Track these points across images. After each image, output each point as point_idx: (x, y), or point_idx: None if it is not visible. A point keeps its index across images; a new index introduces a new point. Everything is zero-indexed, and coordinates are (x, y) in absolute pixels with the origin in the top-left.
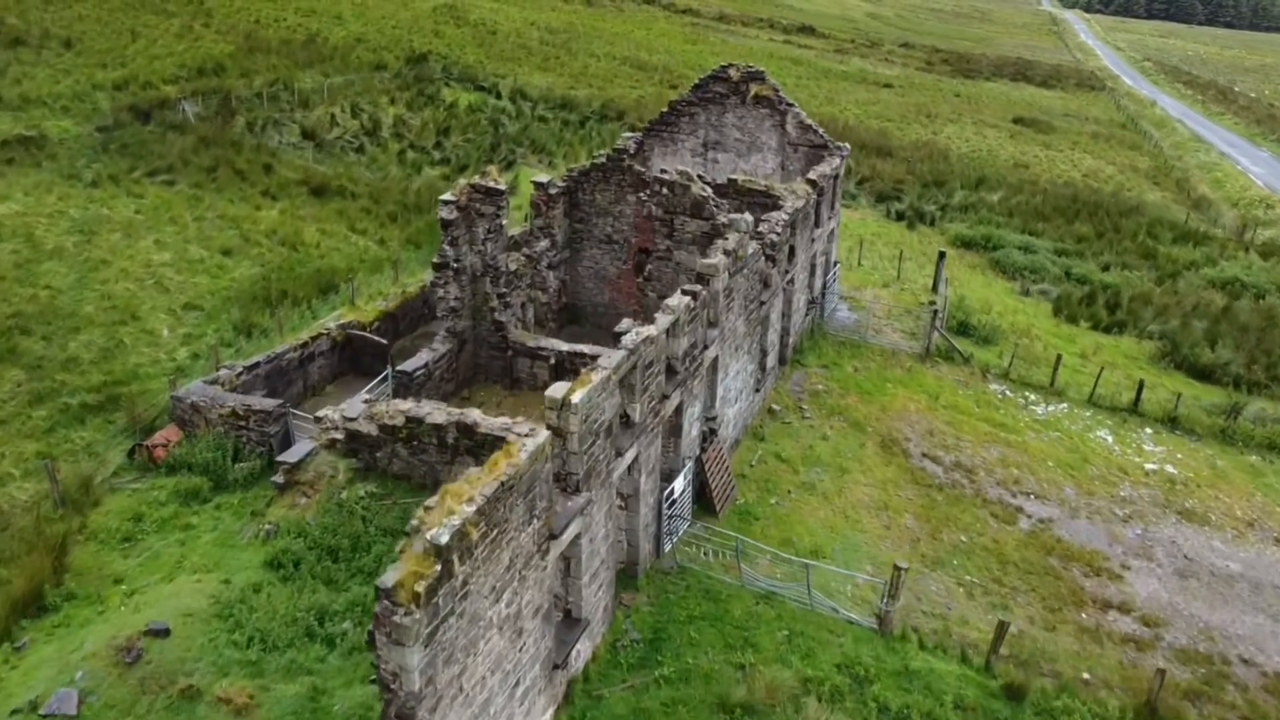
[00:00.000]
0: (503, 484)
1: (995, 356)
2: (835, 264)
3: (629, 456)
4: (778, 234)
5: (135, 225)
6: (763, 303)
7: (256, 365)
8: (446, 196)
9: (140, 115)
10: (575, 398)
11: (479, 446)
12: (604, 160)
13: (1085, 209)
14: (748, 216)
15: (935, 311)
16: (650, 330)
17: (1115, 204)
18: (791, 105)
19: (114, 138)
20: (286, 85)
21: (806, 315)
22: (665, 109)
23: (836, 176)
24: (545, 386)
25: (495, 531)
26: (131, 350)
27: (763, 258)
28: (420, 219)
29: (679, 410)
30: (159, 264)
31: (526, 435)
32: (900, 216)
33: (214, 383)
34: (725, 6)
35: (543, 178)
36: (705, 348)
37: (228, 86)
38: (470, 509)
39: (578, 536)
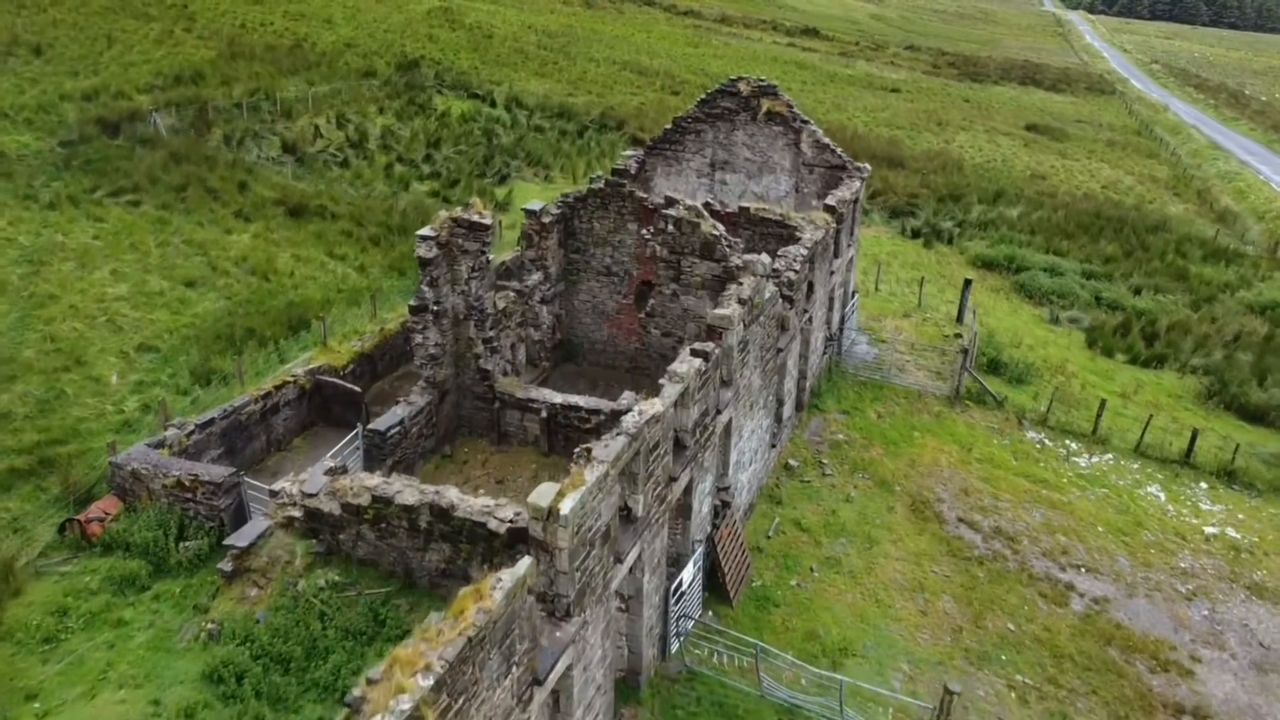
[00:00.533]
0: (471, 640)
1: (1030, 398)
2: (854, 294)
3: (631, 558)
4: (795, 271)
5: (91, 253)
6: (780, 350)
7: (211, 422)
8: (425, 232)
9: (108, 128)
10: (565, 506)
11: (455, 532)
12: (602, 185)
13: (1110, 225)
14: (764, 258)
15: (965, 351)
16: (655, 407)
17: (1140, 219)
18: (807, 122)
19: (78, 153)
20: (268, 94)
21: (824, 353)
22: (669, 126)
23: (856, 200)
24: (536, 441)
25: (461, 701)
26: (73, 402)
27: (780, 300)
28: (404, 242)
29: (688, 489)
30: (113, 298)
31: (509, 522)
32: (916, 234)
33: (160, 445)
34: (727, 8)
35: (535, 204)
36: (718, 413)
37: (205, 96)
38: (427, 683)
39: (569, 669)
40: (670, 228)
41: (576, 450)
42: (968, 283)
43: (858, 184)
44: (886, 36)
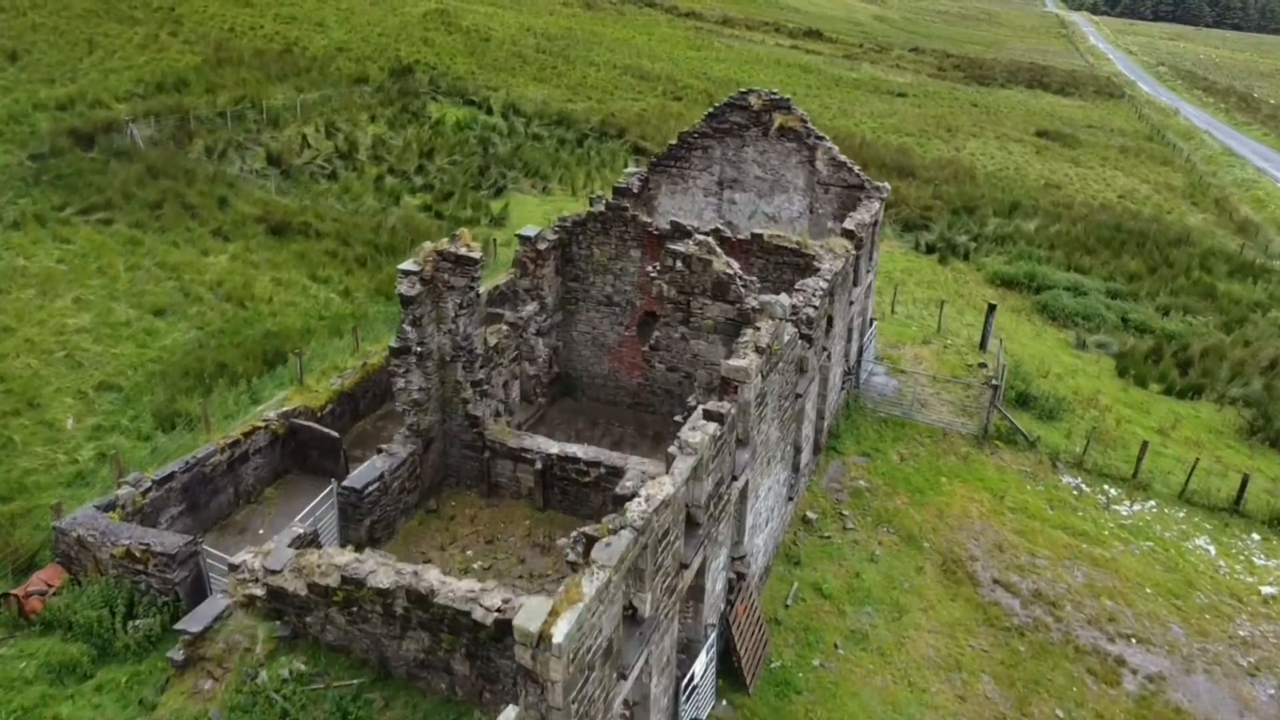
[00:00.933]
0: None
1: (1063, 437)
2: (871, 322)
3: (637, 668)
4: (815, 307)
5: (54, 279)
6: (799, 395)
7: (170, 477)
8: (407, 266)
9: (82, 140)
10: (558, 632)
11: (436, 620)
12: (603, 208)
13: (1131, 239)
14: (784, 300)
15: (995, 387)
16: (665, 488)
17: (1162, 233)
18: (822, 139)
19: (48, 167)
20: (254, 102)
21: (842, 389)
22: (674, 142)
23: (875, 223)
24: (530, 494)
25: None
26: (22, 451)
27: (798, 340)
28: (392, 262)
29: (701, 569)
30: (74, 330)
31: (496, 612)
32: (931, 249)
33: (111, 506)
34: (728, 9)
35: (530, 229)
36: (734, 479)
37: (187, 105)
38: None
39: None
40: (679, 265)
41: (569, 553)
42: (991, 308)
43: (877, 205)
44: (890, 38)
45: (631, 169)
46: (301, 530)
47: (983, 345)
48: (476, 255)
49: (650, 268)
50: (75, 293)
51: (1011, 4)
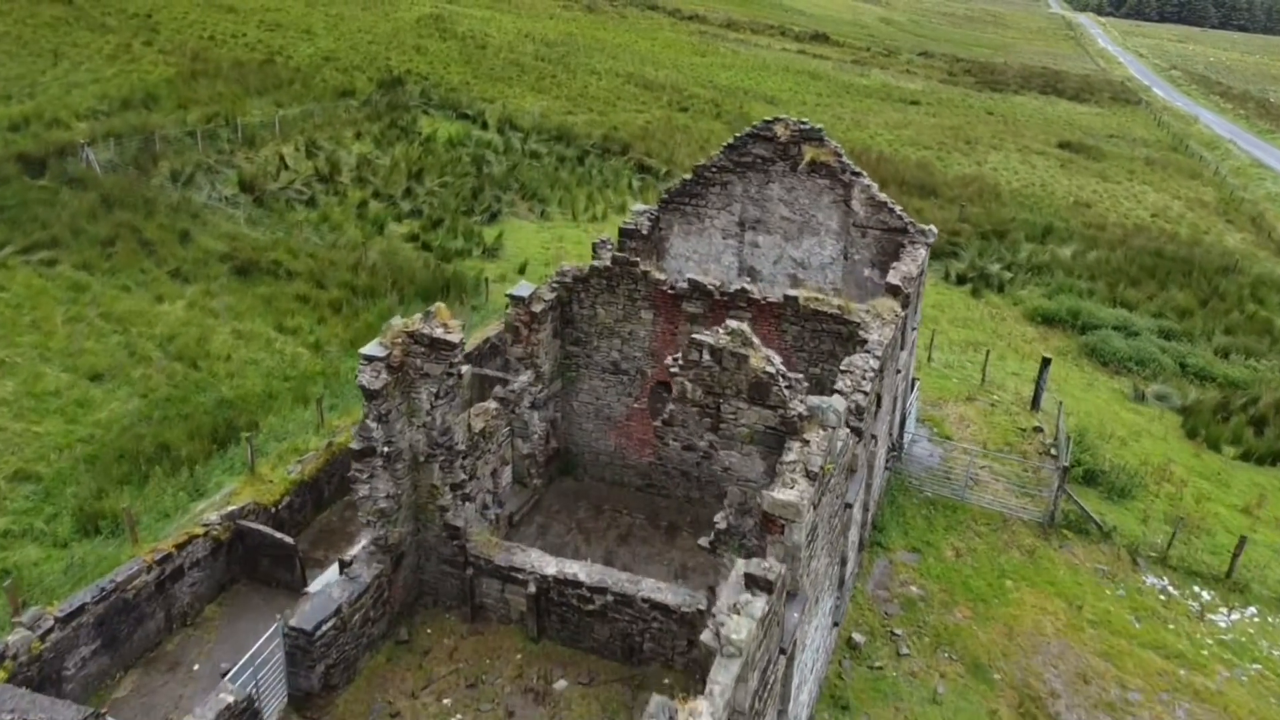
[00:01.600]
0: None
1: (1139, 521)
2: (914, 383)
3: None
4: (865, 392)
5: None
6: (849, 505)
7: (81, 610)
8: (370, 350)
9: (32, 166)
10: None
11: None
12: (608, 262)
13: (1176, 268)
14: (838, 404)
15: (1065, 469)
16: (700, 717)
17: (1207, 259)
18: (859, 175)
19: None
20: (229, 119)
21: (886, 469)
22: (689, 176)
23: (921, 273)
24: (522, 619)
25: None
26: None
27: (849, 439)
28: (372, 308)
29: None
30: None
31: None
32: (963, 280)
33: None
34: (733, 12)
35: (523, 288)
36: (782, 652)
37: (154, 124)
38: None
39: None
40: (706, 358)
41: None
42: (1046, 363)
43: (922, 252)
44: (897, 41)
45: (640, 207)
46: (231, 698)
47: (1035, 404)
48: (456, 338)
49: (671, 361)
50: (0, 353)
51: (1015, 5)
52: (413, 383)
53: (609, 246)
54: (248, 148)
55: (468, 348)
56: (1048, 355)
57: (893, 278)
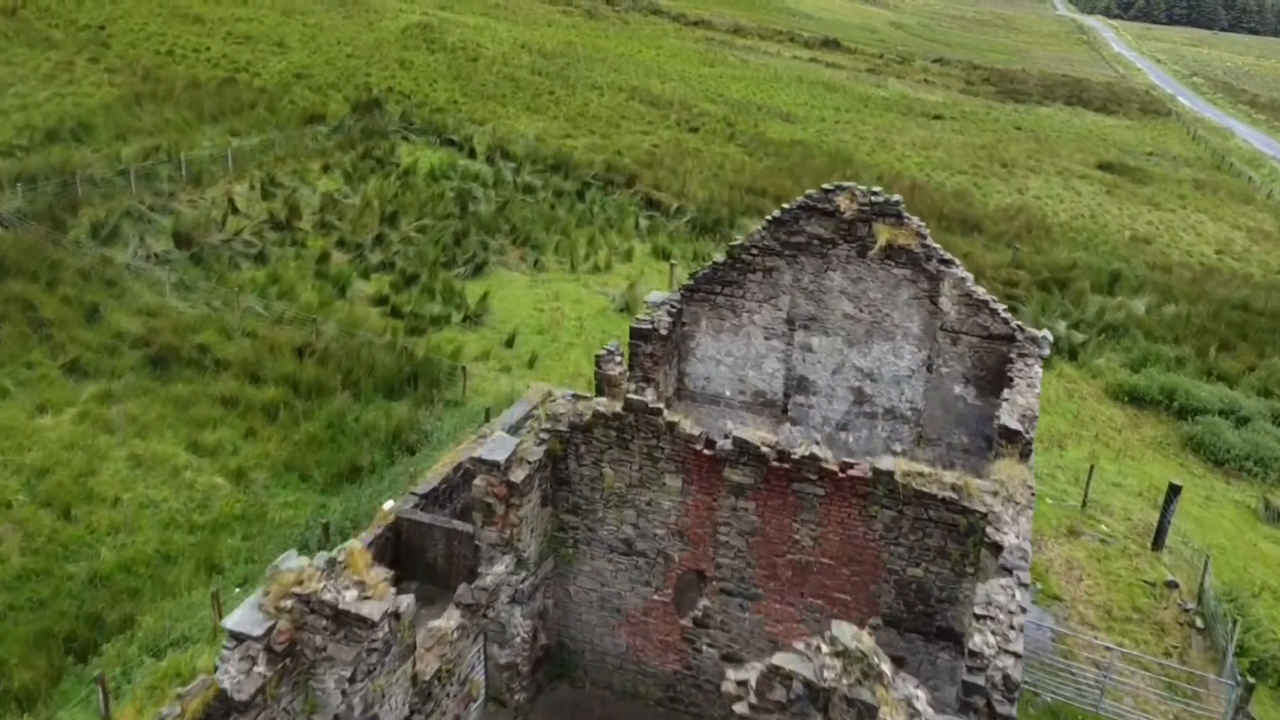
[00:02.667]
0: None
1: None
2: None
3: None
4: (1016, 654)
5: None
6: None
7: None
8: (241, 622)
9: None
10: None
11: None
12: (620, 408)
13: (1270, 325)
14: None
15: (1249, 687)
16: None
17: None
18: (950, 263)
19: None
20: (172, 154)
21: None
22: (722, 257)
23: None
24: None
25: None
26: None
27: None
28: (318, 412)
29: None
30: None
31: None
32: None
33: None
34: (739, 17)
35: (498, 449)
36: None
37: (79, 162)
38: None
39: None
40: (795, 696)
41: None
42: (1174, 491)
43: (1036, 369)
44: (910, 47)
45: (657, 296)
46: None
47: (1158, 542)
48: (375, 615)
49: (734, 685)
50: None
51: (1023, 7)
52: (312, 666)
53: (617, 359)
54: (193, 187)
55: (429, 480)
56: (1177, 482)
57: (1008, 416)
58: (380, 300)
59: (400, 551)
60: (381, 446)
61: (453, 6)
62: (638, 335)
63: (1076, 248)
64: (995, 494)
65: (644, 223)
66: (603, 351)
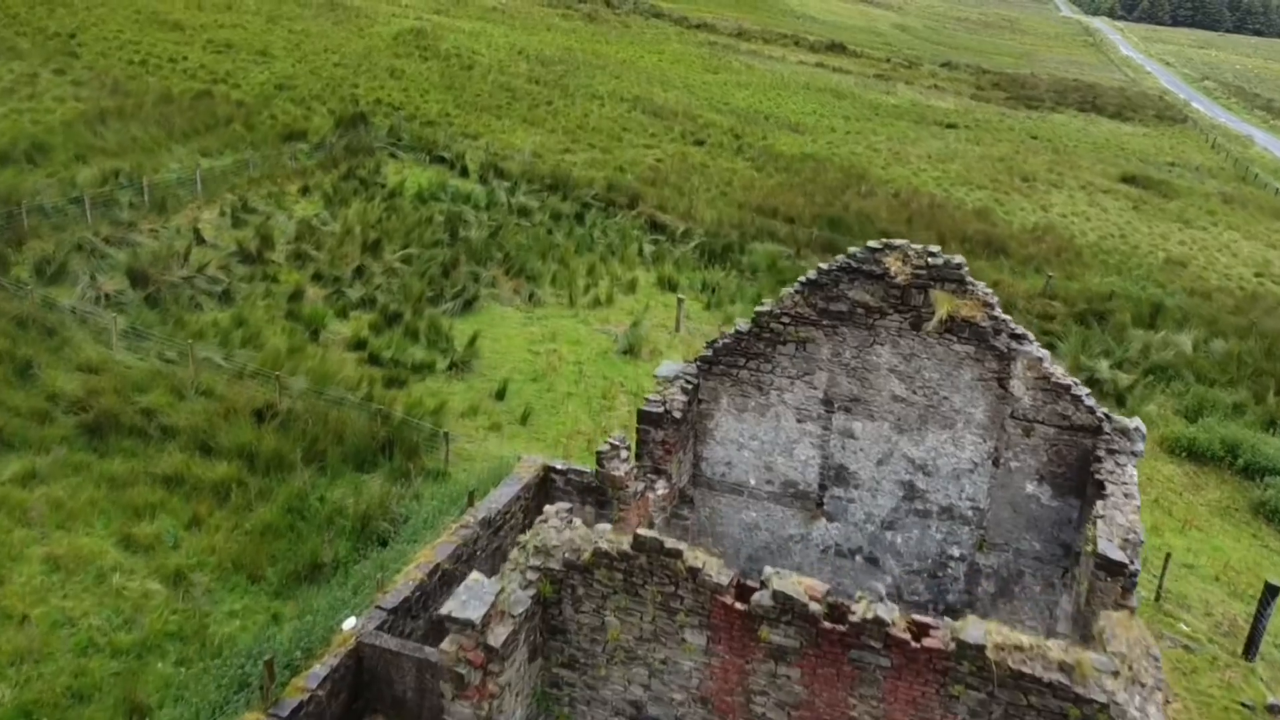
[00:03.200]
0: None
1: None
2: None
3: None
4: None
5: None
6: None
7: None
8: None
9: None
10: None
11: None
12: (626, 547)
13: None
14: None
15: None
16: None
17: None
18: (1023, 339)
19: None
20: (134, 178)
21: None
22: (746, 325)
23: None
24: None
25: None
26: None
27: None
28: (277, 492)
29: None
30: None
31: None
32: None
33: None
34: (743, 20)
35: (472, 601)
36: None
37: (28, 188)
38: None
39: None
40: None
41: None
42: (1272, 594)
43: (1130, 470)
44: (916, 50)
45: (669, 366)
46: None
47: (1251, 649)
48: None
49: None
50: None
51: (1027, 9)
52: None
53: (623, 453)
54: (156, 215)
55: (398, 588)
56: (1275, 583)
57: (1107, 542)
58: (357, 344)
59: (363, 680)
60: (348, 536)
61: (448, 10)
62: (647, 420)
63: (1109, 272)
64: (1116, 674)
65: (648, 248)
66: (605, 445)
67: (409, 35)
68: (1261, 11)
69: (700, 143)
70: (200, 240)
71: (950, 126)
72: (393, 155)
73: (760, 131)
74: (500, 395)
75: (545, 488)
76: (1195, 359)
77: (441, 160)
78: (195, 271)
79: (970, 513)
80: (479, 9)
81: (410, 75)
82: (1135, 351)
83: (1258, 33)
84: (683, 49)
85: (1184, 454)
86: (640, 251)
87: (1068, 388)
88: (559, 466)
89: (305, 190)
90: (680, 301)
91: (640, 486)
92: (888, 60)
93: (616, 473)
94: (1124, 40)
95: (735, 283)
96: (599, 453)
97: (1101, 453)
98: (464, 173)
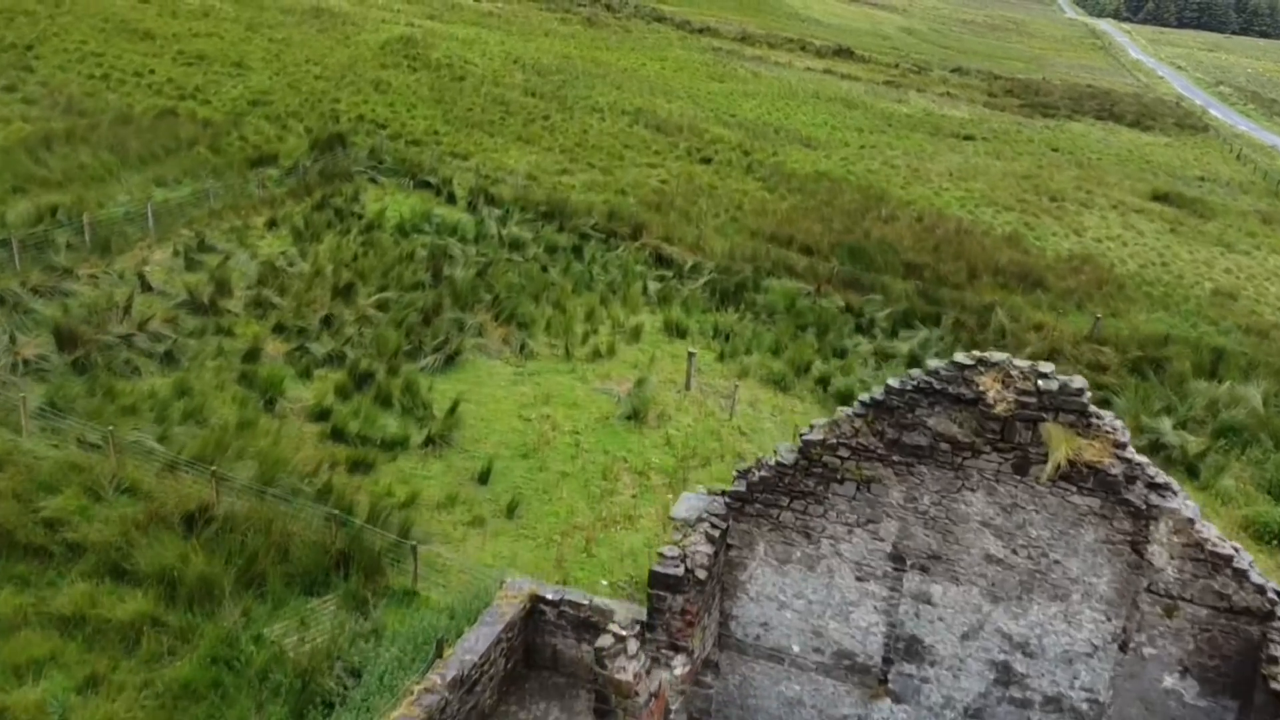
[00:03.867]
0: None
1: None
2: None
3: None
4: None
5: None
6: None
7: None
8: None
9: None
10: None
11: None
12: None
13: None
14: None
15: None
16: None
17: None
18: (1167, 491)
19: None
20: (74, 215)
21: None
22: (792, 452)
23: None
24: None
25: None
26: None
27: None
28: (205, 632)
29: None
30: None
31: None
32: None
33: None
34: (747, 24)
35: None
36: None
37: None
38: None
39: None
40: None
41: None
42: None
43: None
44: (924, 54)
45: (689, 501)
46: None
47: None
48: None
49: None
50: None
51: (1032, 11)
52: None
53: (630, 648)
54: (98, 258)
55: None
56: None
57: None
58: (320, 414)
59: None
60: (285, 699)
61: (442, 16)
62: (662, 584)
63: (1154, 305)
64: None
65: (653, 286)
66: (605, 642)
67: (398, 44)
68: (1268, 13)
69: (707, 160)
70: (146, 287)
71: (968, 138)
72: (373, 180)
73: (770, 147)
74: (484, 478)
75: (532, 621)
76: (1269, 417)
77: (427, 185)
78: (136, 327)
79: (1085, 706)
80: (474, 13)
81: (397, 88)
82: (1200, 408)
83: (1264, 34)
84: (686, 55)
85: (1271, 539)
86: (644, 290)
87: (1228, 558)
88: (549, 595)
89: (273, 224)
90: (691, 356)
91: (655, 685)
92: (896, 66)
93: (622, 675)
94: (1132, 43)
95: (750, 327)
96: (598, 649)
97: (1273, 638)
98: (451, 199)
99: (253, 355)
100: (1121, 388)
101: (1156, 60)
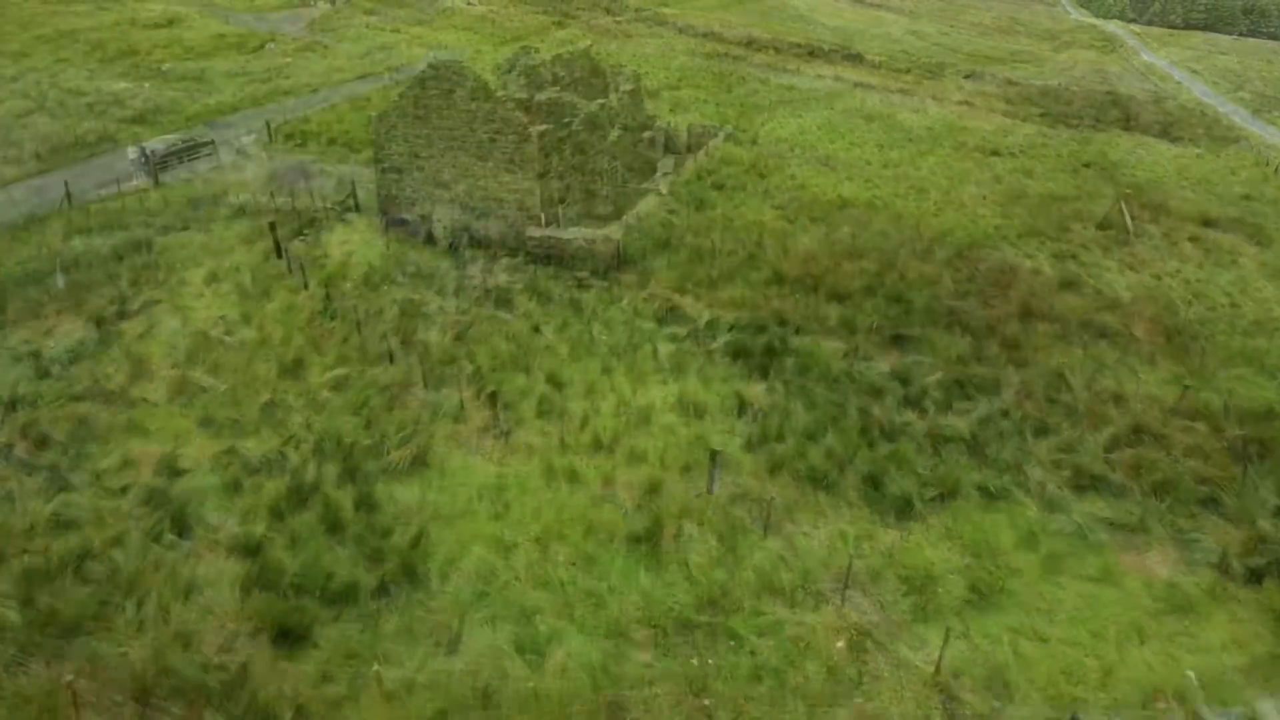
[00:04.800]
0: None
1: None
2: None
3: None
4: None
5: None
6: None
7: None
8: None
9: None
10: None
11: None
12: None
13: None
14: None
15: None
16: None
17: None
18: None
19: None
20: None
21: None
22: None
23: None
24: None
25: None
26: None
27: None
28: None
29: None
30: None
31: None
32: (1257, 576)
33: None
34: (752, 28)
35: None
36: None
37: None
38: None
39: None
40: None
41: None
42: None
43: None
44: (934, 58)
45: None
46: None
47: None
48: None
49: None
50: None
51: (1035, 13)
52: None
53: None
54: None
55: None
56: None
57: None
58: (249, 549)
59: None
60: None
61: (432, 22)
62: None
63: (1236, 359)
64: None
65: (664, 347)
66: None
67: (380, 51)
68: (1277, 15)
69: (720, 186)
70: (44, 374)
71: (994, 154)
72: (341, 218)
73: (787, 169)
74: (453, 646)
75: None
76: None
77: (402, 223)
78: (17, 434)
79: None
80: (466, 18)
81: (375, 104)
82: None
83: (1272, 36)
84: (689, 63)
85: None
86: (654, 353)
87: None
88: None
89: (213, 278)
90: (714, 455)
91: None
92: (909, 71)
93: None
94: (1143, 45)
95: (784, 402)
96: None
97: None
98: (430, 239)
99: (167, 466)
100: (1227, 484)
101: (1170, 64)
